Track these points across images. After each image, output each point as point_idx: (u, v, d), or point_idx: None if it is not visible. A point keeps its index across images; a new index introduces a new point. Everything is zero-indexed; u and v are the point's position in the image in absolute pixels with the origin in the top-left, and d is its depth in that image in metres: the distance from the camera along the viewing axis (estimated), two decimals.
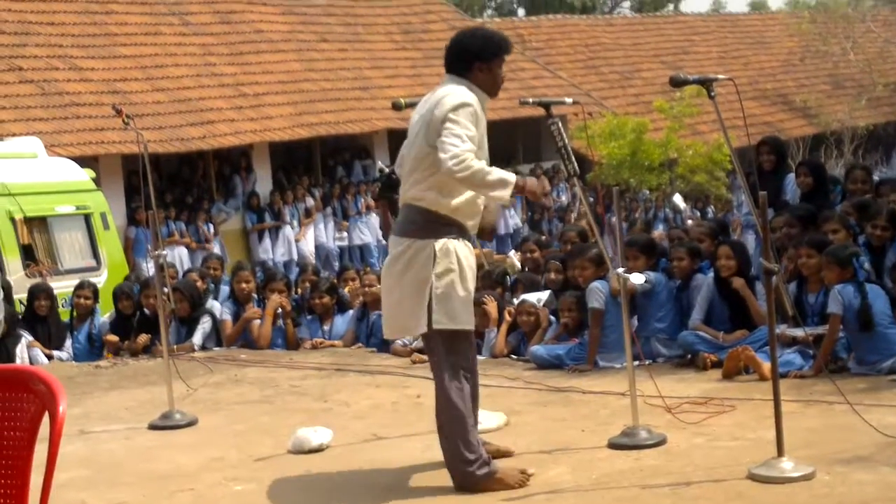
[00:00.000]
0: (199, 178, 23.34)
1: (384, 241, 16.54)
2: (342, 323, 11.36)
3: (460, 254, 5.80)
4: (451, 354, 5.78)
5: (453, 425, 5.75)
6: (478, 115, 5.76)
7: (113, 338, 11.49)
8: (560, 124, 6.34)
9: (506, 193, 5.71)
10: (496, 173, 5.66)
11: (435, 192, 5.76)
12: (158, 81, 23.62)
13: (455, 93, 5.77)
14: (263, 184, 23.86)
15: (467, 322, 5.85)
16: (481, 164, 5.63)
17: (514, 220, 26.74)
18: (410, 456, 6.57)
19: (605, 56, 36.10)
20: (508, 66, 6.11)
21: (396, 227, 5.91)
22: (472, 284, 5.87)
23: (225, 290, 12.07)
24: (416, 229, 5.78)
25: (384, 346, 10.57)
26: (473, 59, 5.91)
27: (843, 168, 29.34)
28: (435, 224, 5.78)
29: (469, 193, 5.82)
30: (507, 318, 10.02)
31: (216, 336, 11.39)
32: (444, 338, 5.77)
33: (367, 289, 11.23)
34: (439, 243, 5.75)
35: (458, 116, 5.66)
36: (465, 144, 5.59)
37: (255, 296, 11.66)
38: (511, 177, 5.68)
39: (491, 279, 10.97)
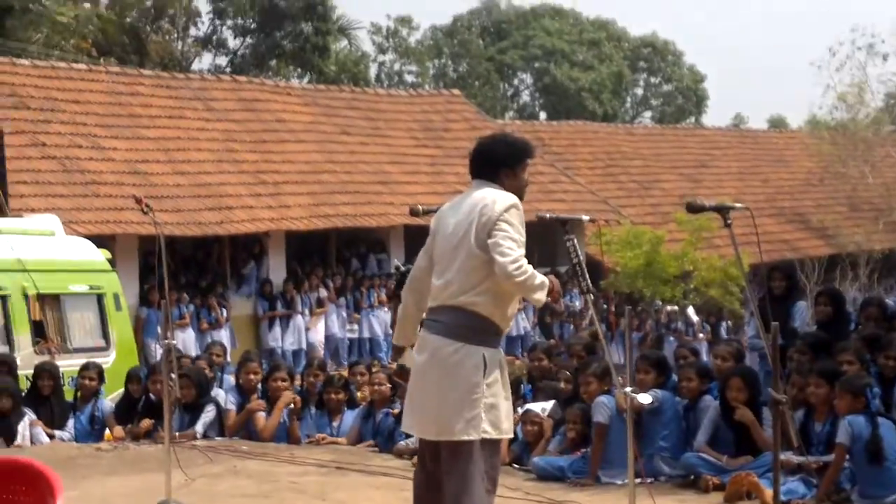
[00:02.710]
0: (213, 262, 23.41)
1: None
2: (350, 419, 11.31)
3: (503, 363, 5.86)
4: (486, 464, 5.74)
5: None
6: (523, 218, 5.81)
7: (119, 432, 11.41)
8: (575, 241, 6.39)
9: (543, 295, 5.79)
10: (538, 277, 5.73)
11: (489, 296, 5.76)
12: (179, 165, 23.80)
13: (501, 195, 5.82)
14: (277, 272, 23.91)
15: (509, 430, 5.91)
16: (532, 269, 5.69)
17: (523, 322, 26.70)
18: None
19: (624, 164, 36.30)
20: (528, 170, 6.20)
21: (440, 328, 5.81)
22: (510, 393, 5.91)
23: (228, 378, 12.04)
24: (466, 333, 5.75)
25: (388, 446, 10.52)
26: (500, 165, 5.98)
27: (858, 291, 29.38)
28: (485, 330, 5.79)
29: (514, 301, 5.88)
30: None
31: (219, 425, 11.36)
32: (484, 447, 5.73)
33: (376, 387, 11.15)
34: (489, 352, 5.77)
35: (512, 218, 5.74)
36: (520, 249, 5.69)
37: (258, 386, 11.63)
38: (546, 280, 5.78)
39: None
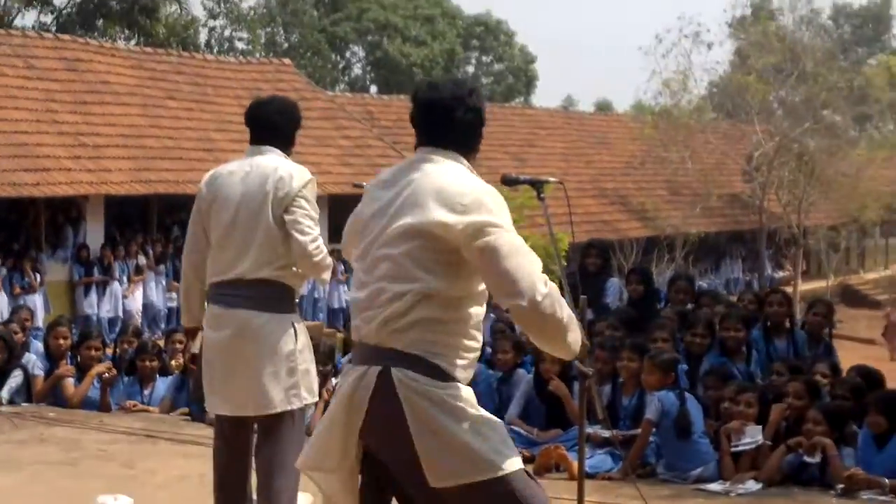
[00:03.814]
0: (28, 224, 22.76)
1: None
2: (163, 388, 11.11)
3: (304, 327, 5.81)
4: (299, 432, 5.69)
5: None
6: (316, 192, 5.77)
7: None
8: None
9: (328, 276, 5.86)
10: (329, 259, 5.73)
11: (291, 269, 5.69)
12: None
13: (297, 169, 5.74)
14: (95, 237, 23.37)
15: (317, 393, 5.88)
16: (325, 249, 5.68)
17: (346, 294, 26.69)
18: None
19: None
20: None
21: (243, 301, 5.64)
22: (314, 356, 5.90)
23: (37, 343, 11.71)
24: (274, 304, 5.65)
25: (200, 415, 10.34)
26: (295, 129, 5.95)
27: (674, 272, 30.11)
28: (288, 299, 5.74)
29: None
30: (326, 396, 9.93)
31: (27, 391, 11.03)
32: (298, 415, 5.69)
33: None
34: (295, 318, 5.73)
35: (309, 195, 5.68)
36: (317, 228, 5.66)
37: (68, 352, 11.33)
38: (331, 261, 5.80)
39: (319, 354, 10.87)
